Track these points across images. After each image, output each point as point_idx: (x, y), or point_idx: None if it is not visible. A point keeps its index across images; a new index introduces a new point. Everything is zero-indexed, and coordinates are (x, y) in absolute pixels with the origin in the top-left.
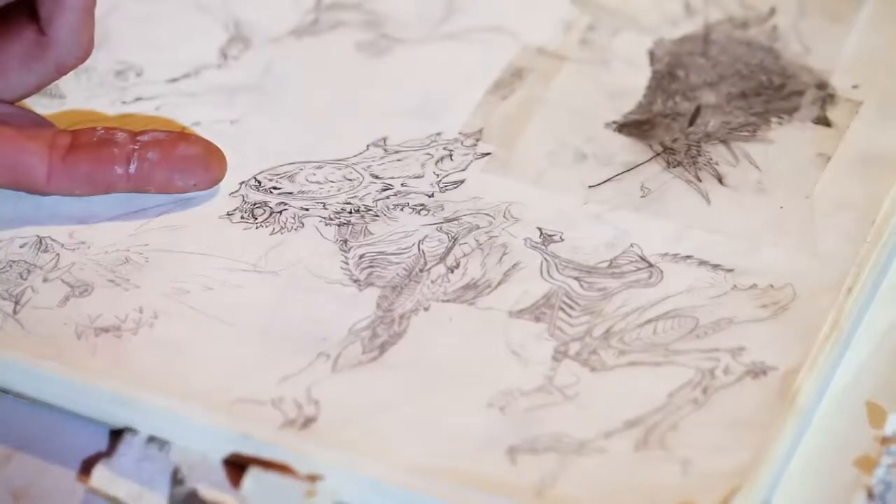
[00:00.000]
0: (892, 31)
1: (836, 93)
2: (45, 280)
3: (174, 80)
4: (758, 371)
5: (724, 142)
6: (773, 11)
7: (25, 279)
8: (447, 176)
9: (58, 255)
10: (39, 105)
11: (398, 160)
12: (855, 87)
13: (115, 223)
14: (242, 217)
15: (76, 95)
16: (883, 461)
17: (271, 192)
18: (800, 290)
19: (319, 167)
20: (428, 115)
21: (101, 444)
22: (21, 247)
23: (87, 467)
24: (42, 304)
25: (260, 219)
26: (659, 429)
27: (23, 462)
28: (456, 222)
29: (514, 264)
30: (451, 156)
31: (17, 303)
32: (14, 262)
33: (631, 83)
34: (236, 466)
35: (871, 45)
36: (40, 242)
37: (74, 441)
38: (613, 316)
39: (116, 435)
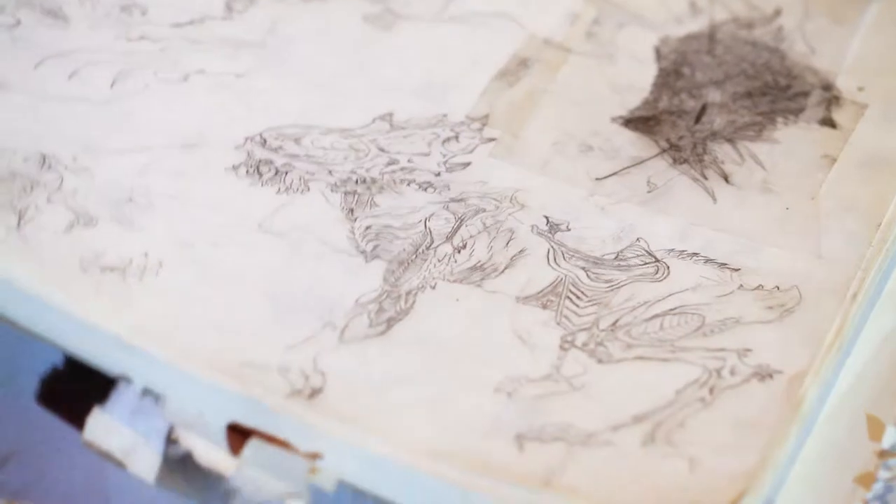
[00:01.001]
0: None
1: (842, 95)
2: (49, 200)
3: (179, 24)
4: (764, 374)
5: (729, 140)
6: (778, 12)
7: (29, 194)
8: (453, 157)
9: (61, 176)
10: (43, 25)
11: (404, 136)
12: (860, 89)
13: (120, 158)
14: (248, 172)
15: (80, 22)
16: (880, 475)
17: (276, 152)
18: (805, 292)
19: (325, 134)
20: (432, 96)
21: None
22: (24, 160)
23: (80, 415)
24: (46, 226)
25: (265, 176)
26: (666, 425)
27: (21, 463)
28: (462, 203)
29: (521, 250)
30: (457, 137)
31: (20, 217)
32: (17, 173)
33: (636, 78)
34: (239, 433)
35: (876, 48)
36: (43, 160)
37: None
38: (620, 308)
39: (110, 384)
